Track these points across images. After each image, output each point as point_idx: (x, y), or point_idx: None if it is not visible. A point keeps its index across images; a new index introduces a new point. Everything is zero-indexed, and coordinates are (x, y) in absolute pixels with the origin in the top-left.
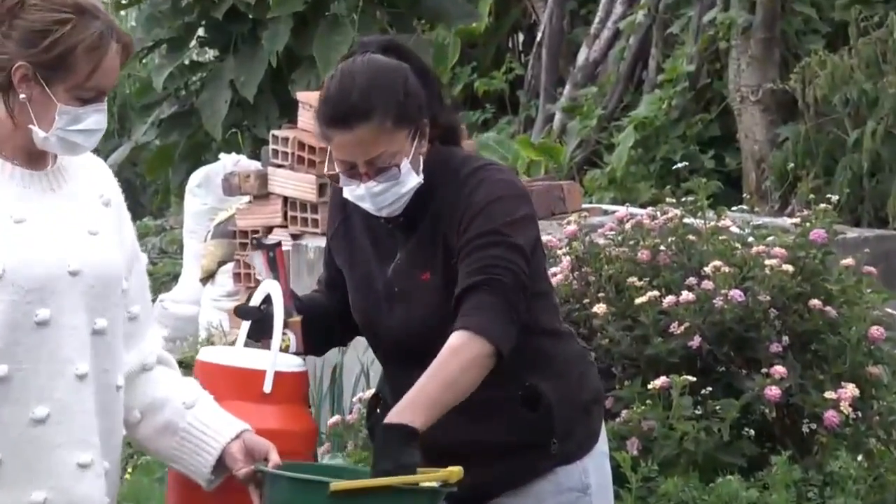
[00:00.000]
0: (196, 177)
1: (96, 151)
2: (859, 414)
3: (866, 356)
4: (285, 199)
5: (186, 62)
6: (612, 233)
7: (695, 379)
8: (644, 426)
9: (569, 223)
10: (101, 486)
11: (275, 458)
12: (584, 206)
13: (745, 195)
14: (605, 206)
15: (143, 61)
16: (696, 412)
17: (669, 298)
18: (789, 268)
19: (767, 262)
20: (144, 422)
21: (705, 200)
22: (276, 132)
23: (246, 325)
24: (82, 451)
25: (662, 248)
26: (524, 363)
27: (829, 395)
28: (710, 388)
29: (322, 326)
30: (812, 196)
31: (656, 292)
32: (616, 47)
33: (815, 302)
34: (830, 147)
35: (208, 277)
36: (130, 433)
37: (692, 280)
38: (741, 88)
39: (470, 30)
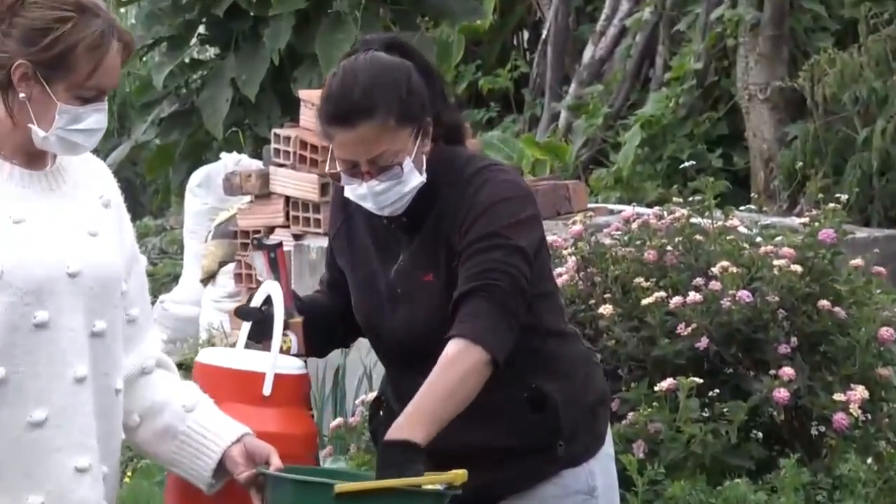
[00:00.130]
0: (197, 176)
1: (96, 151)
2: (869, 416)
3: (876, 358)
4: (287, 198)
5: (187, 60)
6: (619, 233)
7: (702, 381)
8: (651, 428)
9: (574, 223)
10: (99, 490)
11: (276, 461)
12: (589, 205)
13: (753, 194)
14: (611, 206)
15: (144, 59)
16: (704, 414)
17: (676, 299)
18: (798, 268)
19: (776, 262)
20: (143, 425)
21: (713, 200)
22: (277, 131)
23: (246, 327)
24: (80, 455)
25: (669, 248)
26: (529, 365)
27: (838, 397)
28: (717, 390)
29: (324, 328)
30: (821, 195)
31: (663, 293)
32: (622, 45)
33: (823, 303)
34: (840, 146)
35: (209, 278)
36: (129, 437)
37: (699, 280)
38: (749, 86)
39: (474, 27)
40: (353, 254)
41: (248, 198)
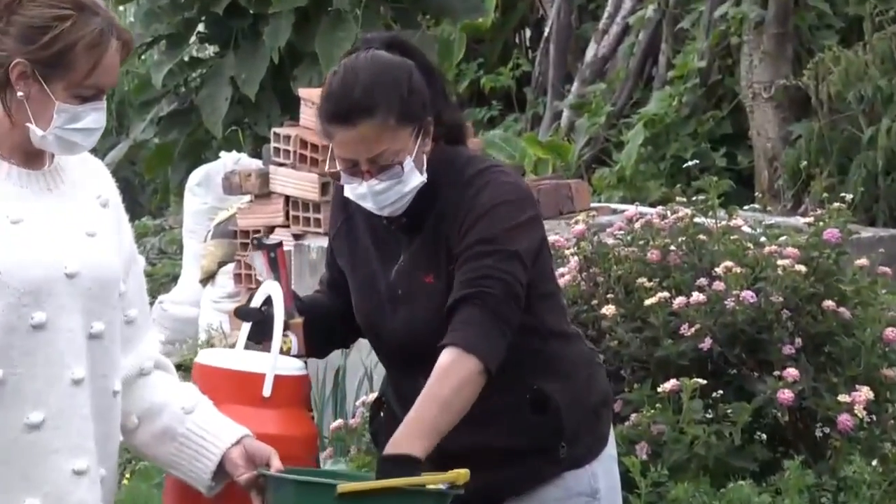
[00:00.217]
0: (196, 175)
1: (94, 150)
2: (874, 417)
3: (881, 358)
4: (287, 198)
5: (186, 58)
6: (622, 232)
7: (705, 382)
8: (654, 430)
9: (577, 223)
10: (97, 492)
11: (276, 463)
12: (592, 205)
13: (757, 194)
14: (613, 206)
15: (142, 57)
16: (707, 416)
17: (680, 299)
18: (802, 268)
19: (780, 262)
20: (142, 427)
21: (716, 199)
22: (277, 130)
23: (246, 327)
24: (78, 458)
25: (673, 248)
26: (531, 366)
27: (842, 398)
28: (721, 391)
29: (324, 328)
30: (826, 195)
31: (666, 293)
32: (625, 43)
33: (828, 303)
34: (844, 145)
35: (208, 278)
36: (128, 439)
37: (703, 281)
38: (753, 85)
39: (476, 25)
40: (354, 254)
41: (247, 197)
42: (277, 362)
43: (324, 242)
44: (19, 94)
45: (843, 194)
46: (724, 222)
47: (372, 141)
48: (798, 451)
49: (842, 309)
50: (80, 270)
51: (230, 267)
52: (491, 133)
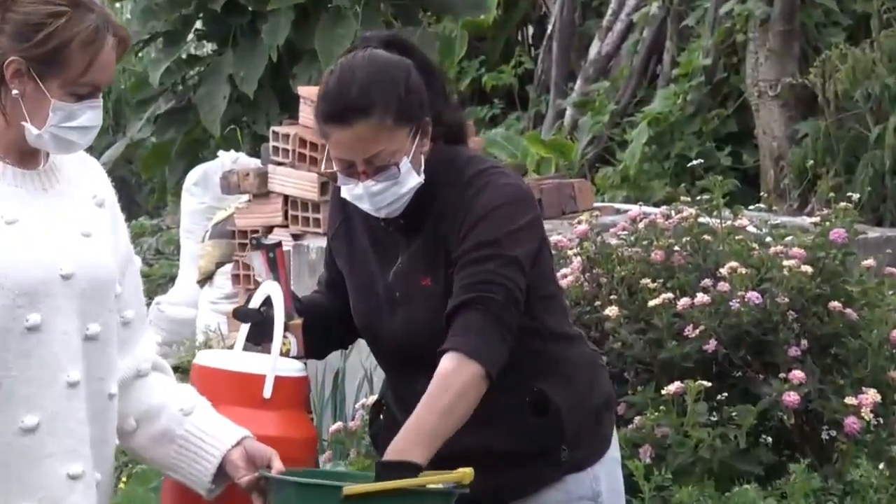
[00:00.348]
0: (193, 175)
1: (90, 149)
2: (881, 420)
3: (888, 360)
4: (286, 197)
5: (183, 56)
6: (625, 233)
7: (710, 384)
8: (657, 433)
9: (580, 223)
10: (92, 497)
11: (278, 465)
12: (595, 204)
13: (762, 193)
14: (617, 205)
15: (139, 55)
16: (712, 418)
17: (684, 300)
18: (808, 269)
19: (786, 262)
20: (140, 430)
21: (721, 199)
22: (276, 128)
23: (245, 329)
24: (73, 462)
25: (677, 248)
26: (532, 367)
27: (849, 400)
28: (726, 394)
29: (323, 328)
30: (832, 194)
31: (670, 294)
32: (629, 40)
33: (835, 304)
34: (851, 143)
35: (206, 279)
36: (125, 442)
37: (707, 281)
38: (759, 83)
39: (478, 22)
40: (352, 255)
41: (245, 197)
42: (277, 363)
43: (323, 243)
44: (14, 92)
45: (849, 194)
46: (729, 222)
47: (368, 141)
48: (804, 455)
49: (848, 310)
50: (75, 271)
51: (228, 267)
52: (493, 132)
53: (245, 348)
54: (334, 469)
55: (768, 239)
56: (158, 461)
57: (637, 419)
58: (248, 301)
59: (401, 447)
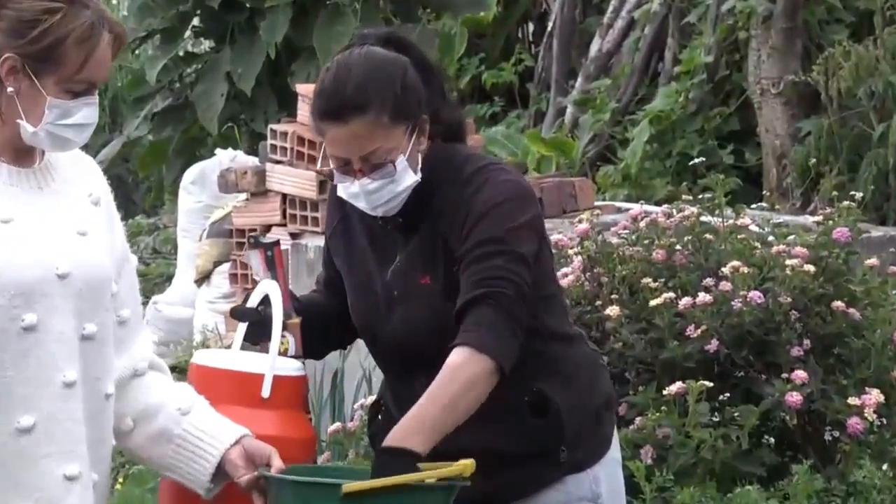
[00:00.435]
0: (191, 173)
1: (86, 147)
2: (884, 421)
3: (892, 360)
4: (284, 196)
5: (181, 53)
6: (626, 232)
7: (712, 384)
8: (659, 434)
9: (580, 221)
10: (89, 498)
11: (277, 463)
12: (596, 203)
13: (765, 192)
14: (618, 204)
15: (136, 52)
16: (714, 419)
17: (685, 300)
18: (811, 268)
19: (788, 262)
20: (137, 430)
21: (723, 198)
22: (274, 126)
23: (242, 328)
24: (70, 463)
25: (678, 247)
26: (531, 367)
27: (852, 401)
28: (728, 394)
29: (321, 328)
30: (835, 193)
31: (672, 294)
32: (630, 37)
33: (837, 304)
34: (855, 142)
35: (203, 278)
36: (123, 442)
37: (709, 281)
38: (761, 81)
39: (477, 19)
40: (350, 254)
41: (243, 195)
42: (276, 363)
43: (321, 242)
44: (9, 89)
45: (852, 192)
46: (731, 221)
47: (364, 139)
48: (807, 456)
49: (851, 310)
50: (71, 271)
51: (226, 267)
52: (493, 130)
53: (243, 348)
54: (335, 465)
55: (771, 238)
56: (156, 461)
57: (638, 420)
58: (245, 300)
59: (401, 434)
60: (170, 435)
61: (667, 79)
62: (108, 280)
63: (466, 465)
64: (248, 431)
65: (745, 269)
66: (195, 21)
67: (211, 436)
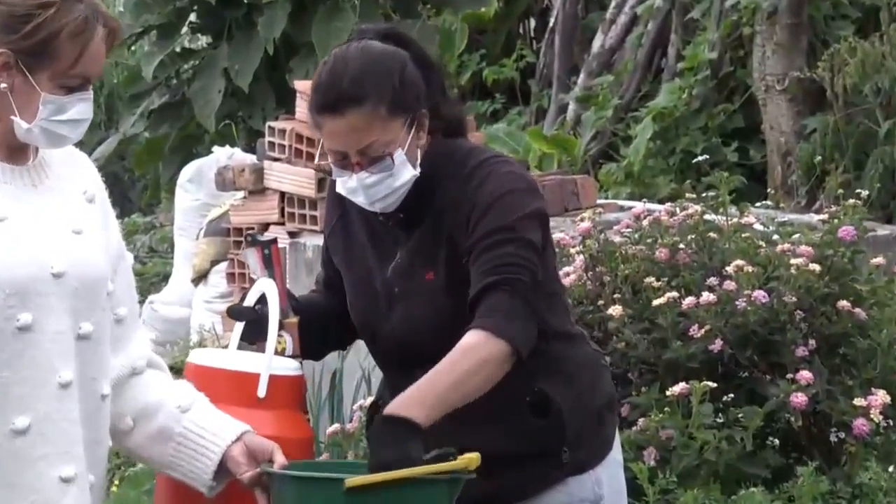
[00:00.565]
0: (187, 171)
1: (81, 144)
2: (890, 422)
3: None
4: (282, 194)
5: (177, 49)
6: (629, 230)
7: (716, 385)
8: (662, 435)
9: (582, 220)
10: (85, 500)
11: (280, 458)
12: (598, 201)
13: (769, 190)
14: (621, 202)
15: (132, 48)
16: (718, 420)
17: (689, 300)
18: (816, 267)
19: (793, 261)
20: (137, 429)
21: (727, 196)
22: (272, 123)
23: (239, 327)
24: (66, 464)
25: (682, 246)
26: (533, 367)
27: (858, 401)
28: (732, 395)
29: (320, 328)
30: (841, 191)
31: (675, 293)
32: (633, 33)
33: (843, 303)
34: (861, 139)
35: (200, 278)
36: (122, 442)
37: (713, 280)
38: (766, 77)
39: (478, 15)
40: (349, 251)
41: (241, 193)
42: (272, 362)
43: (320, 240)
44: (2, 85)
45: (858, 190)
46: (735, 219)
47: (361, 131)
48: (812, 457)
49: (857, 309)
50: (66, 270)
51: (223, 266)
52: (494, 127)
53: (239, 347)
54: (338, 461)
55: (775, 237)
56: (157, 460)
57: (641, 421)
58: (242, 299)
59: (405, 403)
60: (170, 433)
61: (670, 75)
62: (103, 279)
63: (472, 458)
64: (249, 428)
65: (750, 269)
66: (192, 17)
67: (212, 433)
